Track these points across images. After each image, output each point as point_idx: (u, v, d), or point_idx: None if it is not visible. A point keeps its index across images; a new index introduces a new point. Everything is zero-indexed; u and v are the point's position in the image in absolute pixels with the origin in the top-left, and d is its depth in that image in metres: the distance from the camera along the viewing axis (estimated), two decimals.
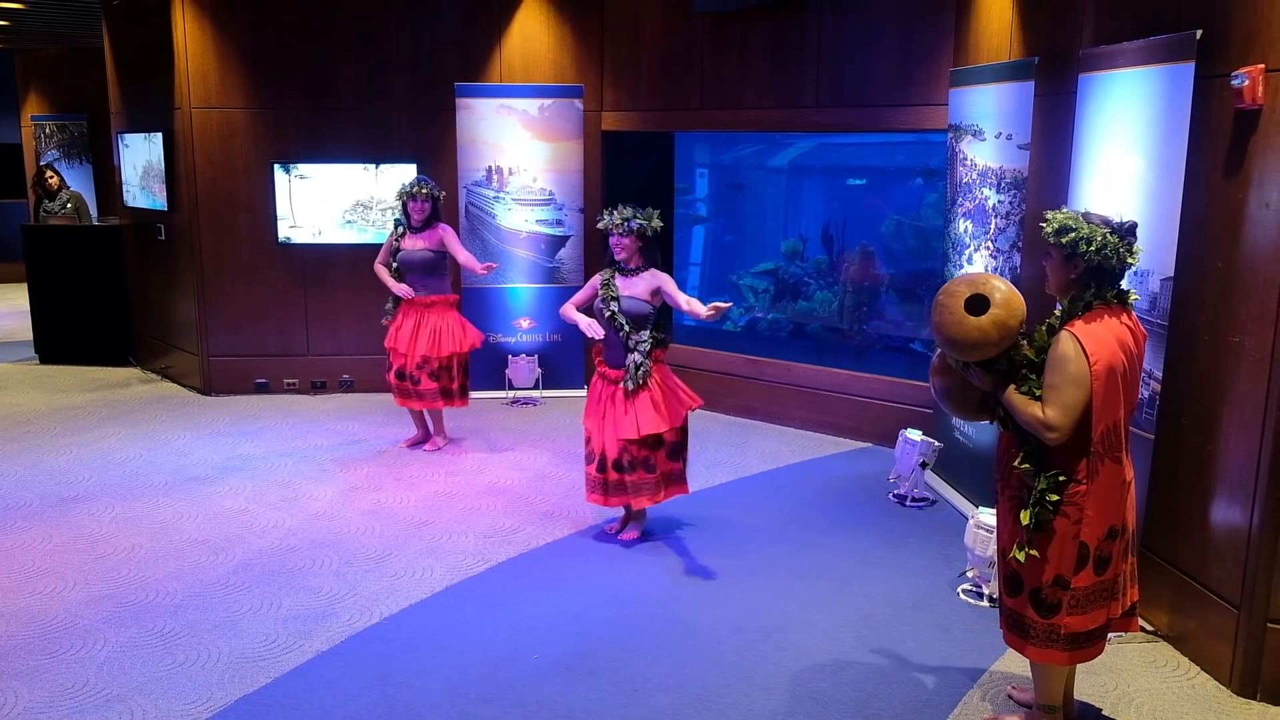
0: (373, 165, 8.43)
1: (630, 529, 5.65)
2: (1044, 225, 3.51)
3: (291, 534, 5.65)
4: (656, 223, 5.36)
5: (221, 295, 8.61)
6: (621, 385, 5.31)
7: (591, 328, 5.39)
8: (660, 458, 5.40)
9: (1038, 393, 3.43)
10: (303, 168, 8.39)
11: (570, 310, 5.52)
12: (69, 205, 10.38)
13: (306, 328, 8.71)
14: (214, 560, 5.30)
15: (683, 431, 5.48)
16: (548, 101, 8.54)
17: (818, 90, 7.62)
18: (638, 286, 5.33)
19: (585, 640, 4.49)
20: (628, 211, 5.31)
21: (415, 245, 6.78)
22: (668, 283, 5.31)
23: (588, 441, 5.54)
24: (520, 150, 8.55)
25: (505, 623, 4.65)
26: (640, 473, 5.37)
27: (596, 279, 5.48)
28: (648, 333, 5.32)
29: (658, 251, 5.43)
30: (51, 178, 10.51)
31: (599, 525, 5.80)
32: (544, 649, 4.41)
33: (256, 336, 8.69)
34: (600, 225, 5.41)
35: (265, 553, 5.40)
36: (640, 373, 5.27)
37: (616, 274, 5.39)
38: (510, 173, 8.57)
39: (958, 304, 3.44)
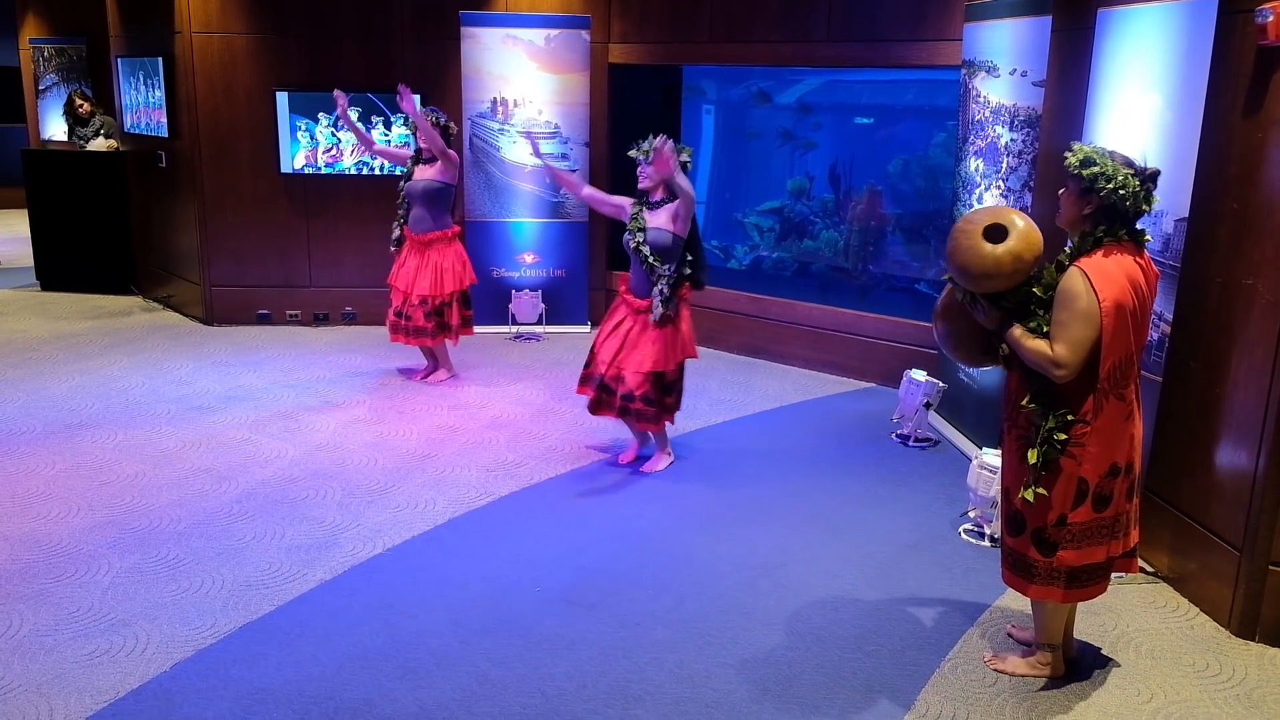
0: (383, 121, 8.35)
1: (653, 461, 5.70)
2: (1068, 155, 3.45)
3: (294, 464, 5.66)
4: (685, 157, 5.29)
5: (223, 224, 8.55)
6: (649, 316, 5.32)
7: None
8: (658, 394, 5.44)
9: (1045, 329, 3.40)
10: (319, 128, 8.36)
11: (590, 191, 5.62)
12: (101, 131, 10.18)
13: (309, 259, 8.66)
14: (217, 489, 5.31)
15: (677, 373, 5.52)
16: (554, 32, 8.40)
17: (829, 24, 7.49)
18: (662, 217, 5.30)
19: (587, 574, 4.51)
20: (657, 141, 5.25)
21: (422, 174, 6.71)
22: (684, 192, 5.25)
23: (592, 357, 5.56)
24: (526, 82, 8.44)
25: (507, 556, 4.67)
26: (640, 404, 5.41)
27: (628, 204, 5.45)
28: (673, 266, 5.29)
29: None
30: (82, 104, 10.25)
31: (601, 461, 5.81)
32: (546, 582, 4.43)
33: (259, 267, 8.64)
34: (631, 153, 5.36)
35: (268, 482, 5.41)
36: (667, 307, 5.28)
37: (645, 208, 5.37)
38: (515, 105, 8.46)
39: (976, 231, 3.41)
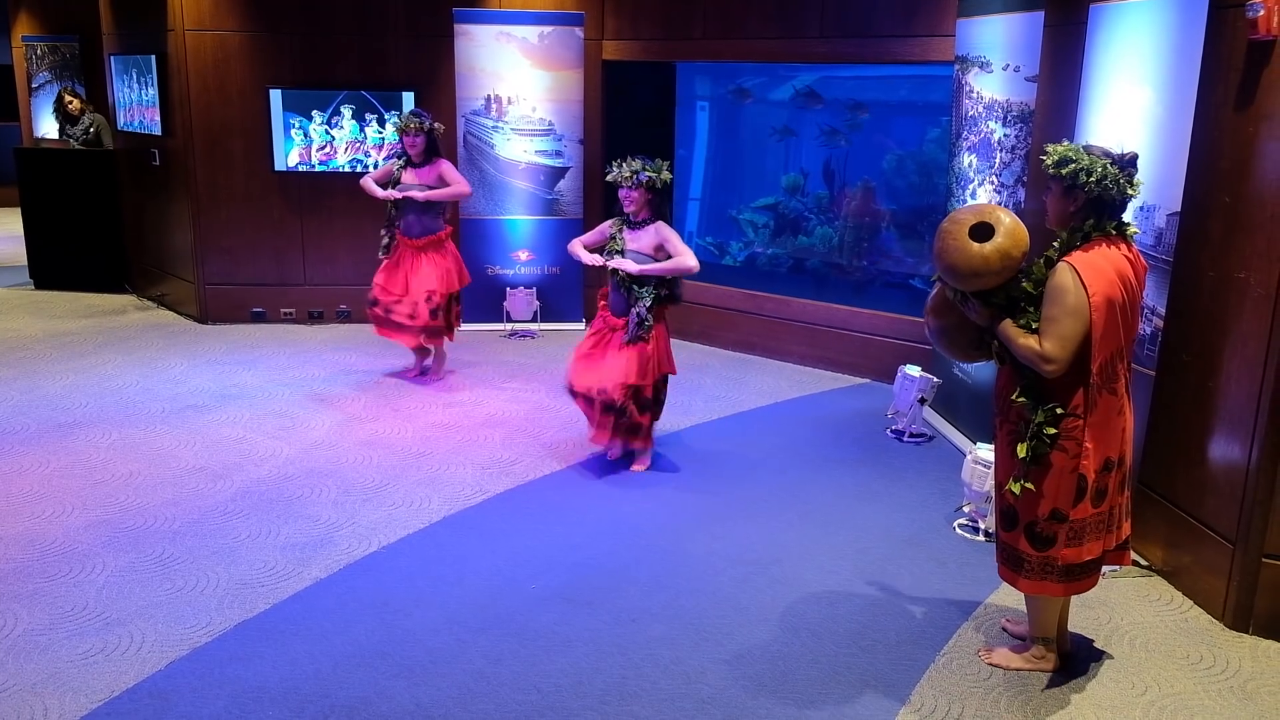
0: (376, 119, 8.35)
1: (640, 459, 5.68)
2: (1044, 158, 3.47)
3: (289, 463, 5.66)
4: (666, 174, 5.27)
5: (217, 223, 8.53)
6: (624, 334, 5.33)
7: (597, 262, 5.39)
8: (632, 408, 5.41)
9: (1035, 325, 3.41)
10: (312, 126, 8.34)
11: (578, 248, 5.54)
12: (91, 130, 10.13)
13: (303, 257, 8.65)
14: (212, 488, 5.31)
15: (657, 390, 5.49)
16: (547, 29, 8.40)
17: (822, 20, 7.49)
18: (643, 240, 5.28)
19: (582, 571, 4.51)
20: (636, 164, 5.23)
21: (413, 180, 6.65)
22: (669, 240, 5.25)
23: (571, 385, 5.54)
24: (519, 79, 8.43)
25: (503, 553, 4.67)
26: (612, 416, 5.39)
27: (607, 226, 5.45)
28: (650, 288, 5.28)
29: (667, 203, 5.37)
30: (71, 102, 10.16)
31: (595, 458, 5.81)
32: (541, 579, 4.43)
33: (253, 265, 8.63)
34: (609, 178, 5.33)
35: (263, 481, 5.41)
36: (644, 329, 5.27)
37: (625, 226, 5.35)
38: (509, 102, 8.45)
39: (962, 230, 3.41)
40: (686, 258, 5.20)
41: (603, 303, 5.51)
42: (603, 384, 5.32)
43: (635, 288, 5.29)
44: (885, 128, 9.92)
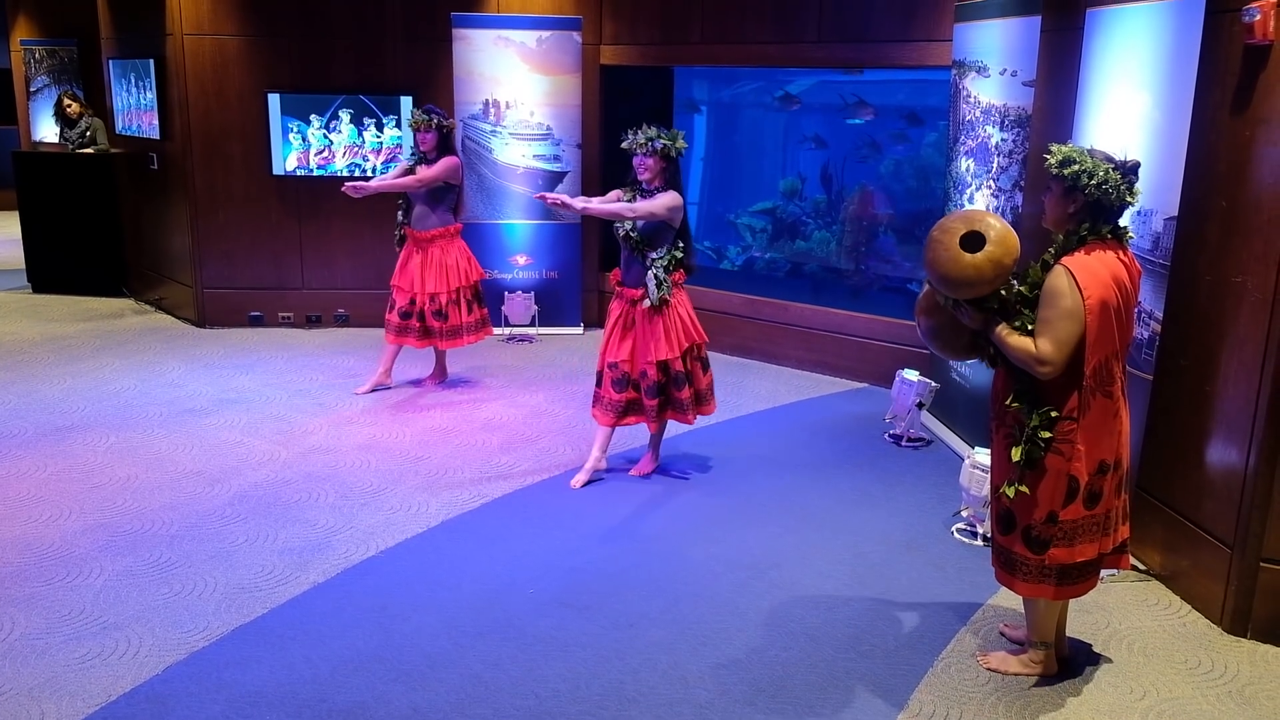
0: (374, 123, 8.35)
1: (643, 463, 5.67)
2: (1047, 157, 3.47)
3: (287, 467, 5.65)
4: (681, 143, 5.24)
5: (215, 227, 8.53)
6: (642, 304, 5.26)
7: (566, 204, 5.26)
8: (667, 384, 5.37)
9: (1030, 328, 3.42)
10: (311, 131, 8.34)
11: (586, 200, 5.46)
12: (87, 133, 10.12)
13: (301, 261, 8.64)
14: (210, 492, 5.31)
15: (693, 360, 5.41)
16: (545, 34, 8.41)
17: (819, 24, 7.50)
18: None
19: (580, 576, 4.51)
20: (652, 131, 5.18)
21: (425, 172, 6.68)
22: (658, 199, 5.17)
23: (609, 364, 5.42)
24: (518, 83, 8.43)
25: (501, 558, 4.66)
26: (651, 396, 5.34)
27: (618, 193, 5.39)
28: (664, 250, 5.25)
29: (680, 173, 5.34)
30: (70, 105, 10.16)
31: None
32: (539, 584, 4.43)
33: (251, 269, 8.63)
34: (624, 145, 5.27)
35: (261, 485, 5.41)
36: (663, 289, 5.23)
37: (638, 195, 5.32)
38: (507, 106, 8.45)
39: (953, 241, 3.40)
40: (627, 209, 5.17)
41: (616, 282, 5.44)
42: (642, 366, 5.30)
43: (648, 252, 5.26)
44: (884, 131, 9.93)
